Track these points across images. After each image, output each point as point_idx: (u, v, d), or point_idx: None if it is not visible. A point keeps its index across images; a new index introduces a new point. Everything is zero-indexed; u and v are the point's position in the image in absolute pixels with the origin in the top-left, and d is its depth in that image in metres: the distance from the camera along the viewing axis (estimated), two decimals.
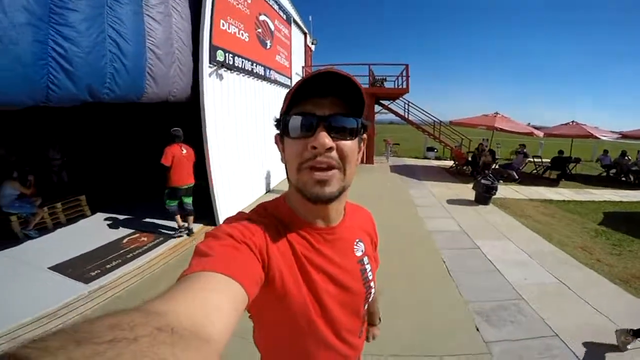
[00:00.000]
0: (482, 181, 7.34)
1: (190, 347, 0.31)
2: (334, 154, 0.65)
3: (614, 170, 12.20)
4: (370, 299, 0.87)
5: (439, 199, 7.88)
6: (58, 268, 3.93)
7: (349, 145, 0.67)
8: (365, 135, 0.75)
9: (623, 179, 11.70)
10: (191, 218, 5.05)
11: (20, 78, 2.52)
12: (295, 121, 0.65)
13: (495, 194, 7.33)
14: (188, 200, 4.98)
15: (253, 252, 0.62)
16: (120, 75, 3.43)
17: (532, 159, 12.12)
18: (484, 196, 7.31)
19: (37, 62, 2.64)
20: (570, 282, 3.85)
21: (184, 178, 4.79)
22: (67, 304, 3.21)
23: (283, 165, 0.73)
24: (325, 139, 0.62)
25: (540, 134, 12.03)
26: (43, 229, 5.05)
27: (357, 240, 0.85)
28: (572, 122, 12.00)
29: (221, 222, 3.69)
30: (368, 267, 0.85)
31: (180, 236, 4.97)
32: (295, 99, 0.66)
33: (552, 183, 10.54)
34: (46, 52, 2.71)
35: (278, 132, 0.73)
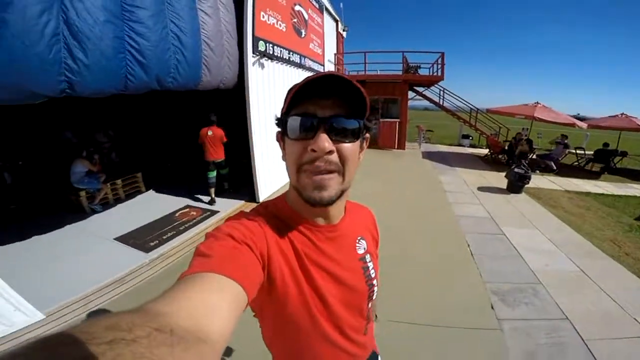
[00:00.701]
0: (516, 170, 7.28)
1: (189, 348, 0.31)
2: (333, 157, 0.64)
3: None
4: (373, 297, 0.87)
5: (470, 185, 7.88)
6: (122, 239, 4.38)
7: (350, 147, 0.66)
8: (367, 135, 0.75)
9: None
10: (212, 189, 5.85)
11: (105, 70, 2.96)
12: (296, 122, 0.65)
13: (528, 183, 7.26)
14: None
15: (253, 252, 0.62)
16: (182, 65, 3.85)
17: (574, 151, 11.66)
18: (516, 185, 7.25)
19: (117, 56, 3.07)
20: (591, 272, 3.89)
21: (211, 154, 5.67)
22: (132, 271, 3.58)
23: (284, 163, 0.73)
24: (325, 142, 0.62)
25: (584, 125, 11.46)
26: (105, 204, 5.63)
27: (358, 237, 0.85)
28: (622, 114, 11.40)
29: (261, 198, 4.12)
30: (370, 264, 0.85)
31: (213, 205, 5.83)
32: (297, 99, 0.65)
33: (593, 176, 10.11)
34: (124, 47, 3.13)
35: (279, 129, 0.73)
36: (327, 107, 0.64)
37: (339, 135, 0.64)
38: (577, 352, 2.63)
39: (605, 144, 11.45)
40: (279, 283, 0.66)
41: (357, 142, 0.68)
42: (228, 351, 2.37)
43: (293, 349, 0.78)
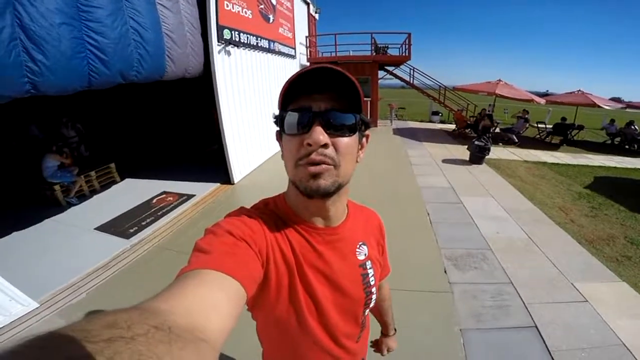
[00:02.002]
0: (476, 142, 7.73)
1: (187, 345, 0.31)
2: (329, 150, 0.63)
3: (618, 139, 12.21)
4: (370, 305, 0.85)
5: (435, 158, 8.26)
6: (102, 228, 4.52)
7: (346, 141, 0.65)
8: (368, 133, 0.74)
9: (627, 147, 11.75)
10: None
11: (67, 69, 3.08)
12: (291, 117, 0.64)
13: (488, 154, 7.73)
14: None
15: (252, 249, 0.62)
16: (145, 59, 3.96)
17: (535, 125, 12.35)
18: (477, 156, 7.72)
19: (77, 55, 3.17)
20: (538, 239, 4.19)
21: None
22: (115, 257, 3.76)
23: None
24: (320, 135, 0.61)
25: (542, 101, 12.14)
26: (81, 196, 5.70)
27: (360, 243, 0.82)
28: (578, 90, 12.05)
29: (236, 181, 4.34)
30: (370, 271, 0.83)
31: None
32: (292, 95, 0.65)
33: (552, 147, 10.81)
34: (83, 46, 3.23)
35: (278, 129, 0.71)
36: (322, 101, 0.64)
37: (335, 129, 0.64)
38: (518, 314, 2.86)
39: (563, 118, 12.17)
40: (274, 282, 0.66)
41: (355, 137, 0.68)
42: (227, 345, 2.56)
43: (279, 348, 0.80)
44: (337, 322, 0.76)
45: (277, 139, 0.73)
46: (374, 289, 0.83)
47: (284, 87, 0.64)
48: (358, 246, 0.82)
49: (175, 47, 4.49)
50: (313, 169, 0.63)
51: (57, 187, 5.33)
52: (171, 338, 0.30)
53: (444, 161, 8.05)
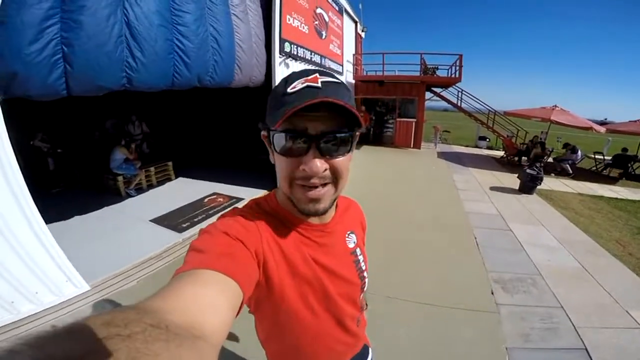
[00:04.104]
0: (527, 170, 7.42)
1: (184, 343, 0.31)
2: (326, 173, 0.63)
3: None
4: (365, 288, 0.90)
5: (482, 185, 8.04)
6: (156, 220, 4.76)
7: (343, 161, 0.65)
8: (357, 133, 0.68)
9: None
10: None
11: (158, 68, 3.42)
12: (285, 140, 0.62)
13: (540, 184, 7.39)
14: None
15: (248, 249, 0.62)
16: (219, 66, 4.29)
17: (592, 155, 11.64)
18: (528, 185, 7.39)
19: (167, 57, 3.52)
20: (592, 268, 4.02)
21: None
22: (167, 249, 3.91)
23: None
24: (317, 163, 0.61)
25: (602, 129, 11.35)
26: (139, 189, 6.14)
27: (348, 232, 0.86)
28: None
29: None
30: (360, 257, 0.88)
31: None
32: (282, 107, 0.60)
33: (610, 181, 10.06)
34: (172, 48, 3.58)
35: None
36: (318, 121, 0.60)
37: (332, 151, 0.62)
38: (568, 336, 2.81)
39: (624, 149, 11.32)
40: (275, 280, 0.66)
41: (351, 152, 0.66)
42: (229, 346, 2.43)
43: (290, 344, 0.79)
44: (342, 307, 0.80)
45: (263, 139, 0.71)
46: (365, 274, 0.88)
47: (272, 96, 0.65)
48: (347, 235, 0.85)
49: (244, 56, 4.83)
50: (312, 194, 0.64)
51: (119, 178, 5.82)
52: (168, 336, 0.30)
53: (492, 188, 7.81)
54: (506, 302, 3.25)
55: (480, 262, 4.03)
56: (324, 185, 0.65)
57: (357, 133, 0.68)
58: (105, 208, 5.27)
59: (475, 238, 4.75)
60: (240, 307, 0.55)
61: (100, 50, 2.88)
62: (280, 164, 0.66)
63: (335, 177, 0.65)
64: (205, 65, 4.07)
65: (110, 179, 5.92)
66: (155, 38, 3.34)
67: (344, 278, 0.80)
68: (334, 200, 0.71)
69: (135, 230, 4.47)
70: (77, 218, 4.78)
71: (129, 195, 5.89)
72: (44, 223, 2.71)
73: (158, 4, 3.40)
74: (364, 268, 0.88)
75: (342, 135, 0.62)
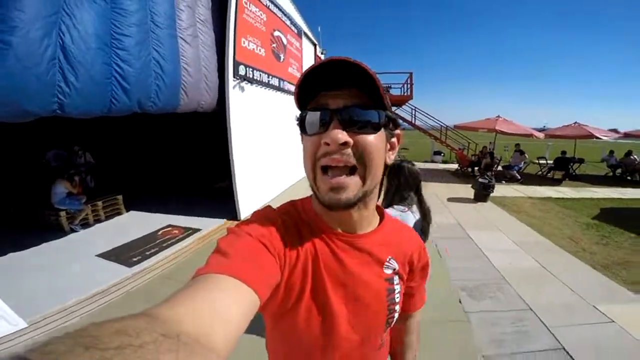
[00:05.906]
0: (480, 180, 7.83)
1: (194, 354, 0.31)
2: (349, 150, 0.60)
3: (619, 170, 12.41)
4: (392, 323, 0.78)
5: (440, 197, 8.28)
6: (104, 255, 4.43)
7: (369, 140, 0.61)
8: (398, 132, 0.70)
9: (629, 178, 11.92)
10: None
11: (93, 94, 3.21)
12: (310, 117, 0.62)
13: (492, 191, 7.78)
14: None
15: (271, 253, 0.60)
16: (162, 90, 4.12)
17: (536, 161, 12.56)
18: (482, 194, 7.77)
19: (104, 81, 3.32)
20: (552, 267, 4.21)
21: None
22: (115, 284, 3.67)
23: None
24: (338, 133, 0.58)
25: (541, 135, 12.33)
26: (85, 224, 5.68)
27: (389, 257, 0.76)
28: (575, 123, 12.33)
29: (242, 217, 4.61)
30: (397, 287, 0.76)
31: None
32: (310, 92, 0.63)
33: (555, 183, 10.89)
34: (110, 73, 3.39)
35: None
36: (340, 98, 0.61)
37: (356, 126, 0.60)
38: (544, 338, 2.86)
39: (563, 152, 12.35)
40: (288, 288, 0.64)
41: (380, 136, 0.64)
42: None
43: (282, 352, 0.76)
44: (347, 334, 0.69)
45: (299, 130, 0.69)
46: (397, 307, 0.77)
47: (298, 81, 0.61)
48: (387, 260, 0.75)
49: (190, 80, 4.69)
50: (335, 181, 0.60)
51: (62, 214, 5.35)
52: (179, 346, 0.30)
53: (449, 199, 8.09)
54: (475, 309, 3.28)
55: (445, 272, 4.06)
56: (349, 174, 0.61)
57: (398, 132, 0.70)
58: (46, 244, 4.84)
59: (437, 248, 4.80)
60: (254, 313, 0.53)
61: (29, 72, 2.66)
62: (305, 145, 0.65)
63: (363, 161, 0.61)
64: (147, 90, 3.89)
65: (51, 214, 5.42)
66: (92, 62, 3.16)
67: (362, 301, 0.70)
68: (363, 196, 0.64)
69: (79, 266, 4.16)
70: (13, 255, 4.38)
71: (73, 231, 5.44)
72: None
73: (97, 27, 3.24)
74: (397, 300, 0.76)
75: (367, 111, 0.61)
